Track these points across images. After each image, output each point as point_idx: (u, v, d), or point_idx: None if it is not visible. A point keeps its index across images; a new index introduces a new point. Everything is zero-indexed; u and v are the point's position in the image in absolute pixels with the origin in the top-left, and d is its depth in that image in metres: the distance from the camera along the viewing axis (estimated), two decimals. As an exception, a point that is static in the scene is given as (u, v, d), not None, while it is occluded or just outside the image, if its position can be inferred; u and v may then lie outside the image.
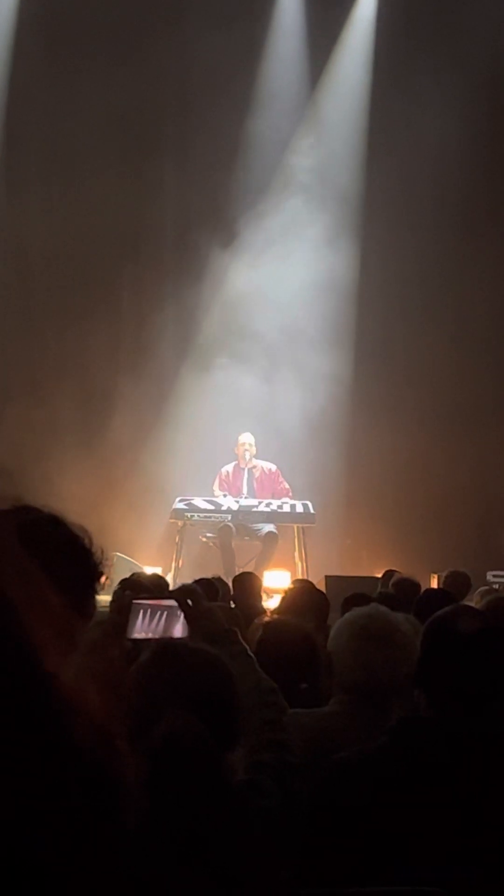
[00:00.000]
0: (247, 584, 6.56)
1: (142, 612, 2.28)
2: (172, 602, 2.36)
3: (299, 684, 3.02)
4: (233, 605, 5.52)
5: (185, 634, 2.31)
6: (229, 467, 10.86)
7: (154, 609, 2.33)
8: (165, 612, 2.33)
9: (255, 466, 10.82)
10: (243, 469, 10.80)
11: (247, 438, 10.79)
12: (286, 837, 2.01)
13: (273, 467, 10.85)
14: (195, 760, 1.83)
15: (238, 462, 10.82)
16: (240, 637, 2.49)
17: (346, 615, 3.19)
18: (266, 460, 10.91)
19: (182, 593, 2.43)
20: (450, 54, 11.63)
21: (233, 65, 11.57)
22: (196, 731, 1.84)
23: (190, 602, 2.38)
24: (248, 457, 10.74)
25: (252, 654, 2.46)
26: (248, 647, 2.48)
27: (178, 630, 2.32)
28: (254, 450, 10.80)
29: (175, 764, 1.80)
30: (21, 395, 11.44)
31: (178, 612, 2.34)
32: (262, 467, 10.84)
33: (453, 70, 11.55)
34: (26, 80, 11.57)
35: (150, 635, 2.27)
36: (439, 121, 11.65)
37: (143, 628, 2.27)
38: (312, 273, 11.63)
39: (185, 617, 2.33)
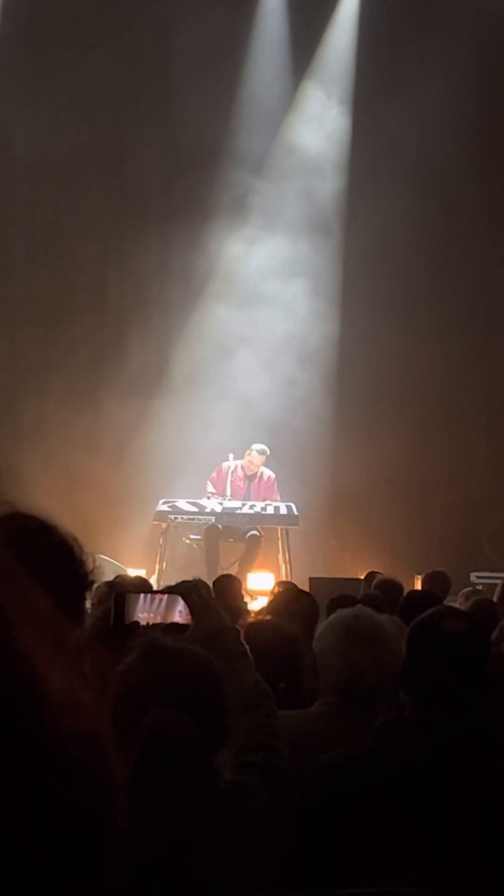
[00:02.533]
0: (227, 587, 6.56)
1: (142, 596, 2.29)
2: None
3: (277, 684, 3.00)
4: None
5: (187, 620, 2.31)
6: (231, 464, 10.74)
7: (154, 594, 2.34)
8: (166, 597, 2.34)
9: (255, 472, 10.78)
10: (241, 471, 10.72)
11: (262, 452, 10.67)
12: (273, 841, 2.00)
13: (272, 475, 10.79)
14: (182, 757, 1.81)
15: (244, 465, 10.71)
16: (241, 637, 2.48)
17: (332, 617, 3.19)
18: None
19: (188, 588, 2.43)
20: (435, 41, 11.64)
21: (217, 52, 11.61)
22: (182, 727, 1.83)
23: (196, 597, 2.39)
24: (238, 467, 10.69)
25: (251, 656, 2.46)
26: (247, 649, 2.47)
27: (179, 615, 2.32)
28: (262, 468, 10.73)
29: (161, 760, 1.78)
30: (3, 395, 11.40)
31: (180, 599, 2.35)
32: (263, 474, 10.78)
33: (438, 57, 11.57)
34: (7, 60, 11.50)
35: (151, 615, 2.28)
36: (424, 110, 11.68)
37: (144, 609, 2.27)
38: (295, 272, 11.63)
39: (191, 610, 2.33)
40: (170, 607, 2.31)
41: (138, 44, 11.46)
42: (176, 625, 2.30)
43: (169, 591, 2.42)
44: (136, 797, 1.68)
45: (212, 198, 11.57)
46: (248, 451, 10.68)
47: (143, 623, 2.24)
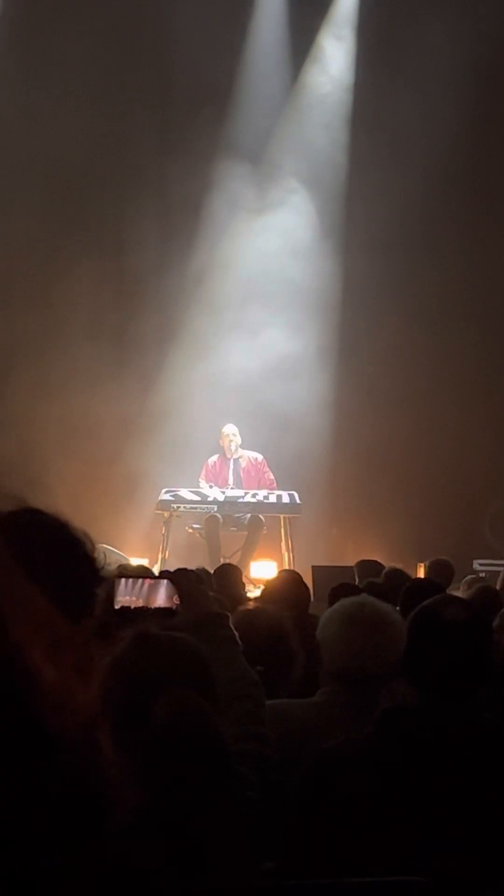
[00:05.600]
0: (228, 576, 6.59)
1: (124, 581, 2.29)
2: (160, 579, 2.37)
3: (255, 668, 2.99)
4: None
5: (171, 604, 2.31)
6: (215, 458, 10.83)
7: (136, 579, 2.33)
8: (149, 582, 2.33)
9: (241, 456, 10.80)
10: (229, 459, 10.78)
11: (230, 429, 10.76)
12: (267, 829, 2.01)
13: (259, 457, 10.83)
14: (202, 737, 1.80)
15: (226, 450, 10.77)
16: (230, 622, 2.48)
17: (336, 605, 3.19)
18: (252, 450, 10.89)
19: (178, 573, 2.43)
20: (435, 30, 11.60)
21: (216, 42, 11.59)
22: (202, 708, 1.82)
23: (185, 582, 2.38)
24: (233, 447, 10.72)
25: (239, 643, 2.46)
26: (236, 635, 2.47)
27: (163, 598, 2.31)
28: (239, 440, 10.76)
29: (181, 741, 1.77)
30: (5, 391, 11.38)
31: (163, 582, 2.34)
32: (249, 457, 10.81)
33: (439, 47, 11.53)
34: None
35: (134, 598, 2.27)
36: (425, 100, 11.66)
37: (126, 592, 2.27)
38: (295, 260, 11.62)
39: (180, 595, 2.33)
40: (152, 591, 2.31)
41: (132, 64, 11.50)
42: (163, 609, 2.29)
43: (158, 576, 2.42)
44: (152, 778, 1.67)
45: (203, 230, 11.56)
46: (223, 438, 10.71)
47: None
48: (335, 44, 11.94)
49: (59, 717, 0.77)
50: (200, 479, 10.76)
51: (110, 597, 2.19)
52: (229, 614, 2.54)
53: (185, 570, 2.52)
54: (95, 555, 1.69)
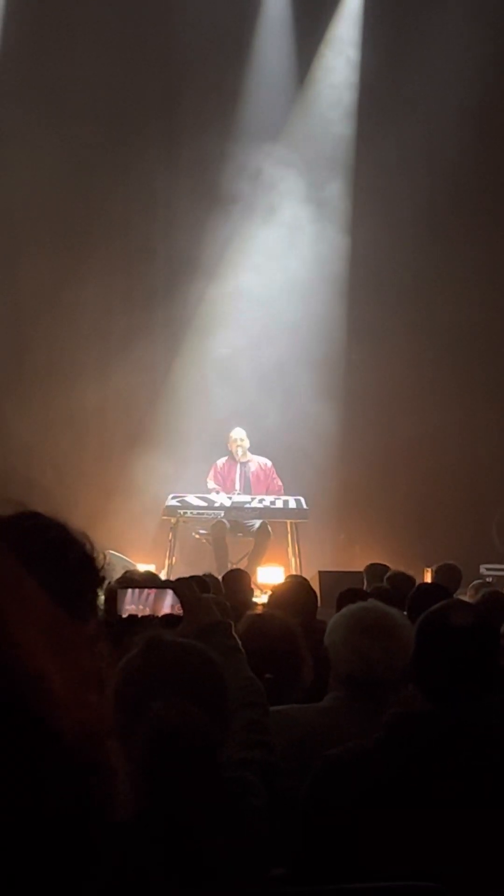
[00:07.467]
0: (237, 581, 6.60)
1: (130, 591, 2.31)
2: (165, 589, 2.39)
3: (263, 675, 3.00)
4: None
5: (176, 611, 2.32)
6: (223, 460, 10.82)
7: (143, 588, 2.36)
8: (154, 592, 2.36)
9: (249, 461, 10.80)
10: (237, 463, 10.77)
11: (238, 434, 10.76)
12: (273, 836, 2.01)
13: (268, 463, 10.82)
14: (192, 749, 1.81)
15: (235, 454, 10.76)
16: (233, 631, 2.49)
17: (344, 610, 3.19)
18: (259, 454, 10.88)
19: (180, 583, 2.44)
20: (440, 23, 11.62)
21: (222, 36, 11.62)
22: (192, 718, 1.83)
23: (187, 591, 2.40)
24: (240, 452, 10.73)
25: (243, 651, 2.46)
26: (239, 643, 2.47)
27: (168, 606, 2.33)
28: (247, 444, 10.76)
29: (170, 752, 1.78)
30: (11, 393, 11.38)
31: (169, 591, 2.36)
32: (258, 462, 10.81)
33: (444, 41, 11.55)
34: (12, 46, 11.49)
35: (141, 607, 2.29)
36: (432, 94, 11.68)
37: (133, 601, 2.29)
38: (300, 262, 11.61)
39: (182, 605, 2.34)
40: (158, 601, 2.33)
41: (138, 59, 11.51)
42: (170, 617, 2.31)
43: (161, 585, 2.43)
44: (143, 787, 1.68)
45: (206, 234, 11.57)
46: (231, 442, 10.71)
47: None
48: (340, 45, 11.96)
49: (65, 721, 0.77)
50: (208, 480, 10.76)
51: (113, 599, 2.21)
52: (232, 623, 2.54)
53: (186, 579, 2.53)
54: (95, 555, 1.70)
